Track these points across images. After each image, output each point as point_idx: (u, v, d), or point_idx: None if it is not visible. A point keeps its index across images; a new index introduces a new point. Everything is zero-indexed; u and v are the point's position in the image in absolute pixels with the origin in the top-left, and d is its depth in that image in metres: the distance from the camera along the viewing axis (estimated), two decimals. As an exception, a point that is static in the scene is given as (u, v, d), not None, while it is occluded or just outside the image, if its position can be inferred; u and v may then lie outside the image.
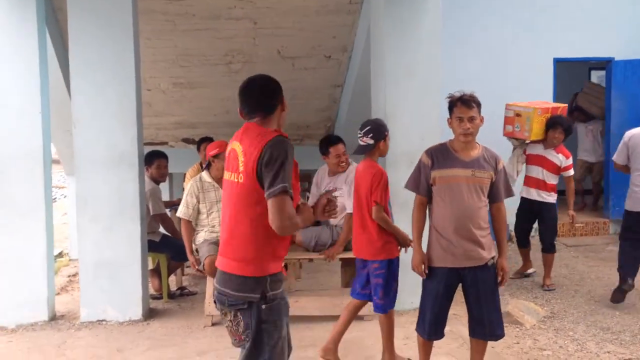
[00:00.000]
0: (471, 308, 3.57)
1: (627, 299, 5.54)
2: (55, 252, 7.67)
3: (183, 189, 6.90)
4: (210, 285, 5.10)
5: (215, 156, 5.24)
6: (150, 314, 5.36)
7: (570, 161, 5.96)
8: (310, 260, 5.35)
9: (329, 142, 5.18)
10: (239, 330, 2.54)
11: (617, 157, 5.53)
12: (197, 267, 5.16)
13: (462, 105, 3.48)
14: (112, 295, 5.15)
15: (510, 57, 8.30)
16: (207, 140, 6.89)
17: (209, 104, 8.09)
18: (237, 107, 2.75)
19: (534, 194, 6.00)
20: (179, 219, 6.80)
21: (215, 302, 2.64)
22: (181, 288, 6.15)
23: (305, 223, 2.61)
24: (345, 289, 5.50)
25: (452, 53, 7.71)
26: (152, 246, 5.69)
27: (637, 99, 8.22)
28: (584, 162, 9.00)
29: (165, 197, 7.76)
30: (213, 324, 5.06)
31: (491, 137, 8.12)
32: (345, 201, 4.98)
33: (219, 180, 5.24)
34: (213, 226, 5.22)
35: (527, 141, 6.08)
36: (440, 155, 3.54)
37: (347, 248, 5.13)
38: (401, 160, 5.10)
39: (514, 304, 5.19)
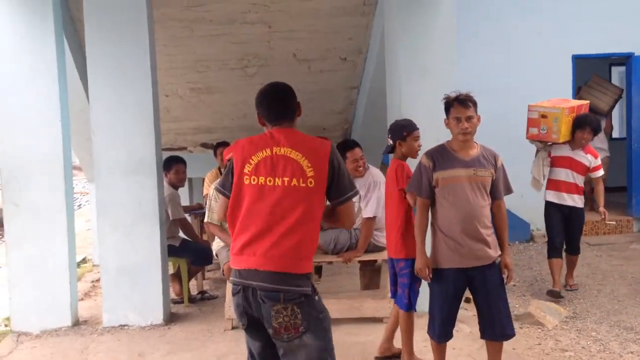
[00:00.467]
0: (481, 308, 3.55)
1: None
2: (79, 258, 7.79)
3: (203, 195, 6.98)
4: (230, 289, 5.12)
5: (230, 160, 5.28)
6: (171, 318, 5.41)
7: (599, 161, 5.70)
8: (330, 262, 5.35)
9: (345, 146, 5.15)
10: (297, 322, 2.61)
11: None
12: None
13: (459, 106, 3.49)
14: (134, 301, 5.21)
15: (528, 55, 8.24)
16: (224, 144, 6.95)
17: (226, 108, 8.15)
18: (255, 113, 2.81)
19: (567, 199, 5.64)
20: (199, 223, 6.93)
21: (262, 299, 2.62)
22: (202, 292, 6.19)
23: None
24: (365, 292, 5.50)
25: (468, 50, 7.70)
26: (172, 251, 5.73)
27: (658, 94, 8.10)
28: None
29: (185, 201, 7.84)
30: (233, 328, 5.08)
31: (508, 136, 8.18)
32: (363, 206, 4.96)
33: None
34: (233, 231, 5.23)
35: (550, 143, 5.76)
36: (440, 156, 3.53)
37: (366, 250, 5.13)
38: (415, 161, 5.05)
39: (536, 304, 5.13)
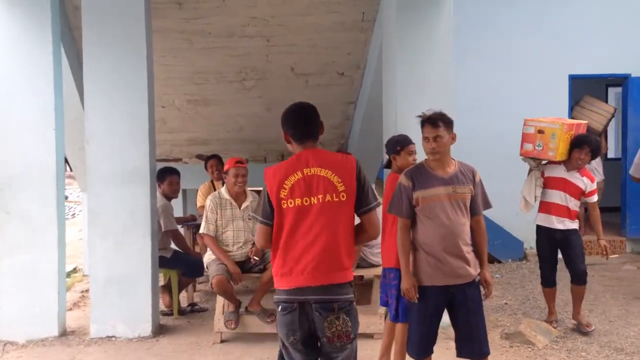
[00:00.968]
0: (460, 326, 3.52)
1: (642, 320, 5.45)
2: (70, 268, 7.75)
3: (196, 207, 6.96)
4: (220, 302, 5.10)
5: (226, 172, 5.30)
6: (159, 330, 5.36)
7: (595, 185, 5.22)
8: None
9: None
10: (348, 330, 2.87)
11: (633, 171, 6.36)
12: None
13: (429, 125, 3.49)
14: (122, 312, 5.17)
15: (525, 73, 8.28)
16: (214, 157, 6.95)
17: (223, 120, 8.16)
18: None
19: (556, 223, 5.18)
20: (191, 235, 6.90)
21: (319, 312, 2.84)
22: (192, 304, 6.14)
23: None
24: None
25: (467, 67, 7.74)
26: (163, 262, 5.70)
27: (654, 116, 8.13)
28: None
29: (179, 213, 7.82)
30: (222, 341, 5.05)
31: (503, 153, 8.19)
32: None
33: (236, 196, 5.27)
34: (227, 245, 5.22)
35: (545, 162, 5.35)
36: (419, 175, 3.52)
37: (359, 266, 5.12)
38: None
39: (527, 323, 5.10)
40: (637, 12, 8.42)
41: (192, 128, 8.33)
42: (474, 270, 3.51)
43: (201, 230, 5.28)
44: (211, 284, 5.00)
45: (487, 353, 3.54)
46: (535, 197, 5.30)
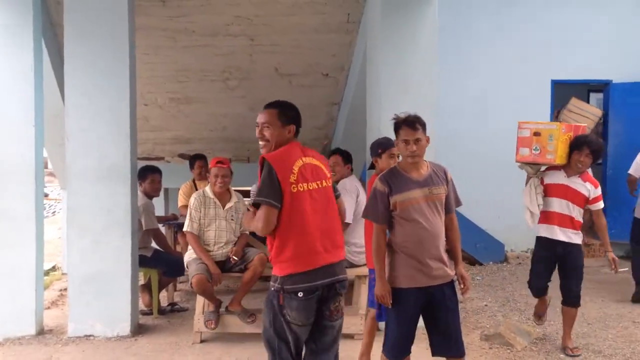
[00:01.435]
0: (440, 325, 3.50)
1: (620, 323, 5.50)
2: (49, 266, 7.66)
3: (178, 206, 6.91)
4: (200, 302, 5.06)
5: (208, 172, 5.31)
6: (138, 329, 5.31)
7: (599, 191, 4.75)
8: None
9: (330, 152, 5.56)
10: (342, 305, 3.25)
11: (634, 171, 6.33)
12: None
13: (407, 128, 3.44)
14: (101, 310, 5.11)
15: (508, 78, 8.33)
16: (200, 157, 6.92)
17: (206, 119, 8.12)
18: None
19: (559, 234, 4.71)
20: (173, 234, 6.85)
21: (339, 291, 3.20)
22: (172, 304, 6.10)
23: None
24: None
25: (450, 71, 7.77)
26: (143, 261, 5.65)
27: (635, 122, 8.22)
28: None
29: (160, 212, 7.76)
30: (202, 341, 5.01)
31: (486, 156, 8.24)
32: None
33: (220, 196, 5.25)
34: (207, 244, 5.19)
35: (543, 168, 4.91)
36: (394, 179, 3.48)
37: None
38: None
39: (506, 324, 5.13)
40: (619, 20, 8.52)
41: (175, 127, 8.28)
42: (450, 270, 3.53)
43: (185, 228, 5.25)
44: (191, 284, 4.97)
45: (464, 352, 3.56)
46: (539, 205, 4.80)
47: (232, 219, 5.24)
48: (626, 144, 7.80)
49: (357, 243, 5.10)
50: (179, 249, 6.72)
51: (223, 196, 5.28)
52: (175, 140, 8.55)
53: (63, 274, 7.45)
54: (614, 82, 8.48)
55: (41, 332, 5.21)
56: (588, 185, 4.69)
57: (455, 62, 8.02)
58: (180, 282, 6.79)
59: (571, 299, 4.79)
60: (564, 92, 8.81)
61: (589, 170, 4.83)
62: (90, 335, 5.10)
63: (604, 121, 8.62)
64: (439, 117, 5.39)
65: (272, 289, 3.15)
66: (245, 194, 6.70)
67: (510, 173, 6.03)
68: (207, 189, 5.31)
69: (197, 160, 6.92)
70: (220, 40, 6.79)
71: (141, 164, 6.08)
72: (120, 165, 5.17)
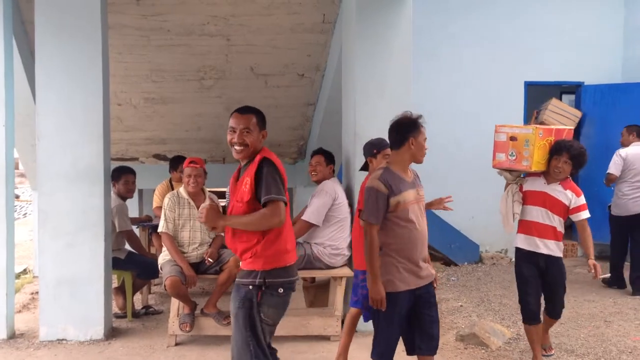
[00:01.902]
0: (424, 323, 3.51)
1: (592, 322, 5.58)
2: (20, 269, 7.52)
3: (153, 207, 6.82)
4: (175, 304, 5.01)
5: (182, 172, 5.27)
6: (112, 333, 5.24)
7: (582, 200, 4.38)
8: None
9: (313, 151, 5.49)
10: None
11: (616, 170, 6.81)
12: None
13: (423, 129, 3.51)
14: (73, 314, 5.03)
15: (482, 79, 8.42)
16: (183, 159, 6.78)
17: (181, 120, 8.04)
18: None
19: (539, 245, 4.39)
20: (147, 236, 6.77)
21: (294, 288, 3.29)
22: (146, 307, 6.03)
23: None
24: (312, 309, 5.47)
25: (424, 73, 7.84)
26: (117, 263, 5.58)
27: (606, 123, 8.35)
28: None
29: (134, 213, 7.66)
30: (177, 344, 4.96)
31: (459, 158, 8.31)
32: (307, 210, 5.20)
33: (194, 196, 5.20)
34: (182, 245, 5.14)
35: (524, 175, 4.59)
36: (392, 180, 3.43)
37: (314, 268, 5.12)
38: (370, 179, 5.09)
39: (481, 325, 5.17)
40: (591, 23, 8.67)
41: (149, 127, 8.17)
42: (432, 269, 3.60)
43: (159, 229, 5.19)
44: (164, 286, 4.91)
45: (437, 348, 3.59)
46: (515, 214, 4.49)
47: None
48: (598, 145, 7.93)
49: (333, 245, 5.10)
50: (153, 250, 6.64)
51: (197, 196, 5.23)
52: (150, 141, 8.44)
53: (34, 277, 7.31)
54: (585, 83, 8.62)
55: (12, 336, 5.12)
56: (569, 193, 4.35)
57: (429, 63, 8.08)
58: (155, 285, 6.71)
59: (555, 312, 4.60)
60: (537, 93, 8.94)
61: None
62: (62, 339, 5.01)
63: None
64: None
65: (250, 286, 3.12)
66: (221, 195, 6.67)
67: (484, 174, 6.10)
68: (182, 189, 5.26)
69: (181, 161, 6.77)
70: (195, 39, 6.72)
71: (115, 164, 6.00)
72: (93, 166, 5.08)
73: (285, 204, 3.13)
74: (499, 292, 6.74)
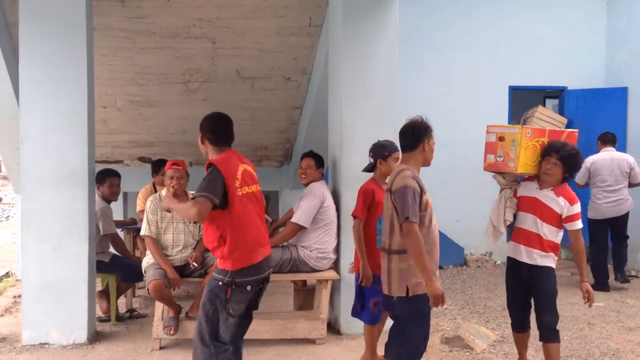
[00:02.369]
0: None
1: (575, 325, 5.63)
2: (2, 272, 7.44)
3: (137, 210, 6.77)
4: (160, 308, 4.98)
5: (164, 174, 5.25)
6: (96, 337, 5.20)
7: (576, 209, 4.00)
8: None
9: (303, 154, 5.48)
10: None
11: (581, 180, 7.05)
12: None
13: (432, 133, 3.68)
14: (57, 318, 4.98)
15: (466, 84, 8.50)
16: (165, 162, 6.75)
17: (166, 122, 8.00)
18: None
19: (523, 254, 4.07)
20: (131, 239, 6.73)
21: (267, 282, 3.58)
22: (130, 310, 5.99)
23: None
24: (298, 312, 5.46)
25: (409, 77, 7.86)
26: (101, 267, 5.53)
27: (588, 127, 8.41)
28: None
29: (119, 216, 7.62)
30: (161, 348, 4.93)
31: (447, 163, 8.36)
32: (296, 213, 5.19)
33: (176, 198, 5.16)
34: (165, 248, 5.12)
35: (518, 179, 4.28)
36: (419, 180, 3.49)
37: (300, 271, 5.11)
38: (354, 183, 5.06)
39: (465, 327, 5.19)
40: (573, 29, 8.77)
41: (134, 130, 8.13)
42: None
43: (142, 232, 5.16)
44: (148, 289, 4.89)
45: None
46: (506, 221, 4.18)
47: (190, 222, 5.16)
48: (580, 149, 7.97)
49: (320, 249, 5.10)
50: (137, 253, 6.60)
51: (180, 199, 5.20)
52: (135, 144, 8.40)
53: (17, 280, 7.25)
54: (569, 88, 8.72)
55: (-6, 340, 5.06)
56: (561, 200, 3.99)
57: (414, 69, 8.12)
58: (139, 288, 6.67)
59: (544, 333, 4.08)
60: (521, 98, 9.02)
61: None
62: (45, 343, 4.96)
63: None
64: (399, 123, 5.44)
65: (220, 283, 3.38)
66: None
67: (470, 178, 6.15)
68: (164, 192, 5.23)
69: (162, 165, 6.74)
70: (181, 42, 6.70)
71: (99, 167, 5.96)
72: (78, 169, 5.04)
73: (215, 203, 3.28)
74: (484, 294, 6.79)
